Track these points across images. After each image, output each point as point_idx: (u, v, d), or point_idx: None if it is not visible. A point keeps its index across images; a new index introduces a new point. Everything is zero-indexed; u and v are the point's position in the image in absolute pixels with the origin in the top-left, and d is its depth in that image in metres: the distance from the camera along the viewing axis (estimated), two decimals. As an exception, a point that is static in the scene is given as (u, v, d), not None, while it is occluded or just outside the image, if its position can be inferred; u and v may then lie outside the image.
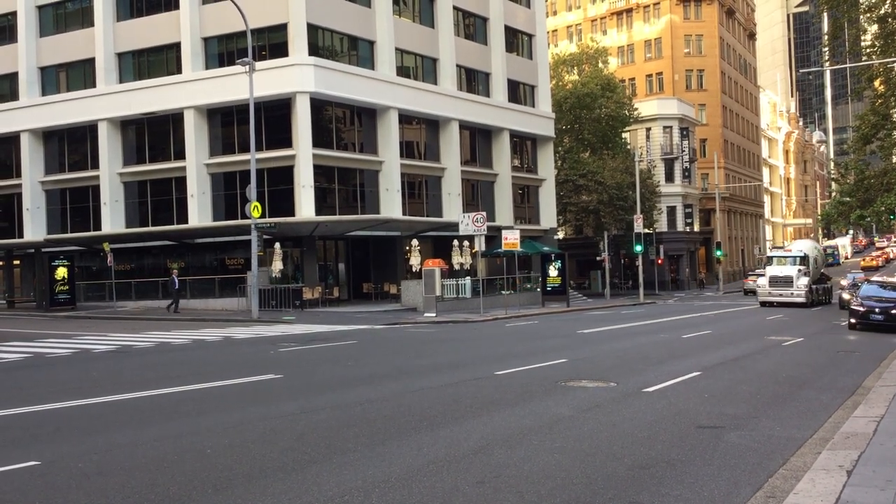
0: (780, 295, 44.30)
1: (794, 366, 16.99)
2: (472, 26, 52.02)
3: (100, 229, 44.61)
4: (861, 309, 27.08)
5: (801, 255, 46.20)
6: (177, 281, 37.49)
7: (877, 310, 26.74)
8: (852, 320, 27.14)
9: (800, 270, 44.60)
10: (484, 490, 7.07)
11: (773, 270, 45.61)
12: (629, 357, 18.30)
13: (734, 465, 7.94)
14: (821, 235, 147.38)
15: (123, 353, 19.96)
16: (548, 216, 57.07)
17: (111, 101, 44.39)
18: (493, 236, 43.53)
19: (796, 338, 23.70)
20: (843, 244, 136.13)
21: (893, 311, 26.60)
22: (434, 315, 33.59)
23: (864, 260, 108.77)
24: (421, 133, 48.23)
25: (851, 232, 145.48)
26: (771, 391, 13.17)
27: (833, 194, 55.02)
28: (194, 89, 41.99)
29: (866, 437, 8.37)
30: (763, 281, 46.49)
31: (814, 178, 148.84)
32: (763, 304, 44.89)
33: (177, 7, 42.93)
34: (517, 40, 55.73)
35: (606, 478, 7.48)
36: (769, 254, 52.68)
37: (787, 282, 44.30)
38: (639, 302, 51.67)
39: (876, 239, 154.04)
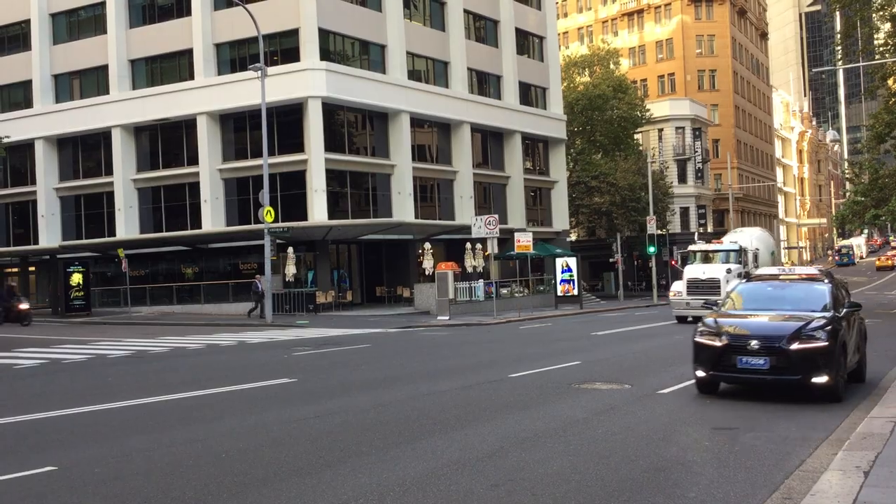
0: (703, 306, 30.47)
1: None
2: (482, 29, 52.05)
3: (114, 235, 44.87)
4: (717, 344, 11.91)
5: (735, 248, 34.28)
6: (260, 286, 35.87)
7: (754, 345, 11.60)
8: (699, 373, 12.26)
9: (730, 271, 31.68)
10: (498, 493, 7.07)
11: (693, 271, 32.41)
12: (643, 359, 18.25)
13: (750, 467, 7.90)
14: (835, 235, 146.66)
15: (139, 359, 20.06)
16: (560, 218, 57.01)
17: (124, 108, 44.65)
18: (506, 239, 43.47)
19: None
20: (858, 244, 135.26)
21: (795, 348, 11.44)
22: (447, 318, 33.58)
23: (879, 260, 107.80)
24: (433, 136, 48.27)
25: (866, 231, 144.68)
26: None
27: (847, 194, 54.53)
28: (207, 95, 42.18)
29: (883, 438, 8.32)
30: (679, 286, 32.39)
31: (828, 177, 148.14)
32: (680, 319, 30.80)
33: (189, 13, 43.16)
34: (528, 43, 55.72)
35: (621, 480, 7.46)
36: (690, 247, 37.66)
37: (711, 287, 30.68)
38: (652, 303, 51.49)
39: (891, 238, 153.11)
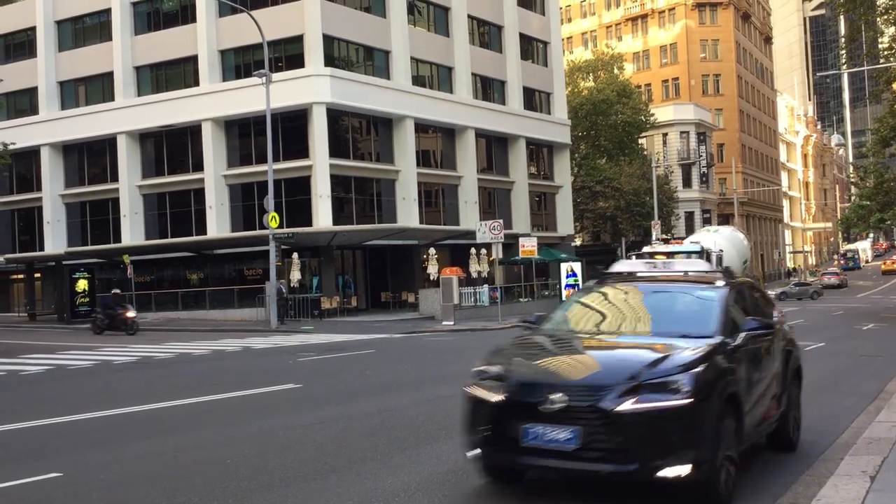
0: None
1: (816, 370, 16.83)
2: (486, 34, 52.12)
3: (119, 241, 44.98)
4: (491, 400, 6.58)
5: (696, 249, 31.13)
6: (284, 291, 35.81)
7: (556, 401, 6.10)
8: (472, 452, 6.76)
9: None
10: (504, 497, 7.06)
11: None
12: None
13: (756, 472, 7.88)
14: (841, 239, 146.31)
15: (144, 365, 20.08)
16: (565, 223, 56.99)
17: (130, 115, 44.78)
18: (511, 244, 43.47)
19: (817, 342, 23.47)
20: (864, 248, 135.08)
21: (626, 409, 6.05)
22: (452, 323, 33.56)
23: (884, 264, 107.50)
24: (437, 142, 48.32)
25: (872, 235, 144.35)
26: (792, 397, 12.98)
27: (852, 198, 54.41)
28: (212, 101, 42.30)
29: (889, 443, 8.29)
30: None
31: (833, 181, 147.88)
32: None
33: (194, 20, 43.30)
34: (532, 48, 55.77)
35: (627, 483, 7.43)
36: (645, 248, 33.27)
37: None
38: (657, 308, 51.26)
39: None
